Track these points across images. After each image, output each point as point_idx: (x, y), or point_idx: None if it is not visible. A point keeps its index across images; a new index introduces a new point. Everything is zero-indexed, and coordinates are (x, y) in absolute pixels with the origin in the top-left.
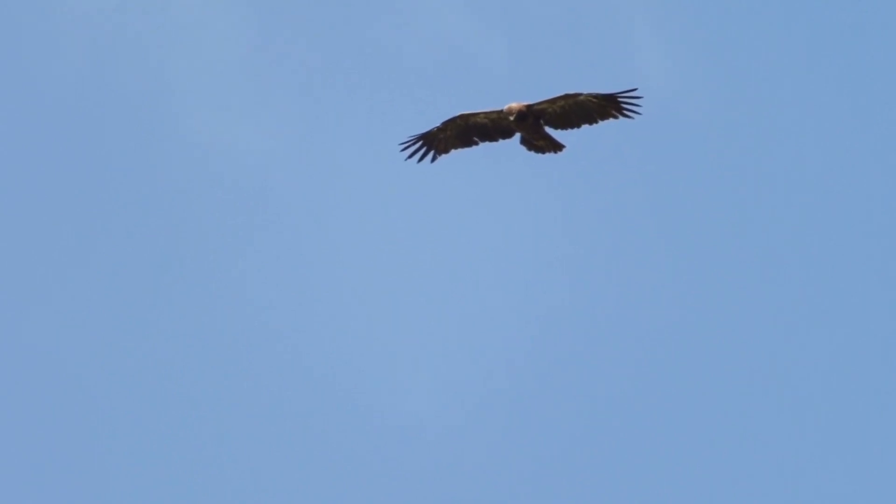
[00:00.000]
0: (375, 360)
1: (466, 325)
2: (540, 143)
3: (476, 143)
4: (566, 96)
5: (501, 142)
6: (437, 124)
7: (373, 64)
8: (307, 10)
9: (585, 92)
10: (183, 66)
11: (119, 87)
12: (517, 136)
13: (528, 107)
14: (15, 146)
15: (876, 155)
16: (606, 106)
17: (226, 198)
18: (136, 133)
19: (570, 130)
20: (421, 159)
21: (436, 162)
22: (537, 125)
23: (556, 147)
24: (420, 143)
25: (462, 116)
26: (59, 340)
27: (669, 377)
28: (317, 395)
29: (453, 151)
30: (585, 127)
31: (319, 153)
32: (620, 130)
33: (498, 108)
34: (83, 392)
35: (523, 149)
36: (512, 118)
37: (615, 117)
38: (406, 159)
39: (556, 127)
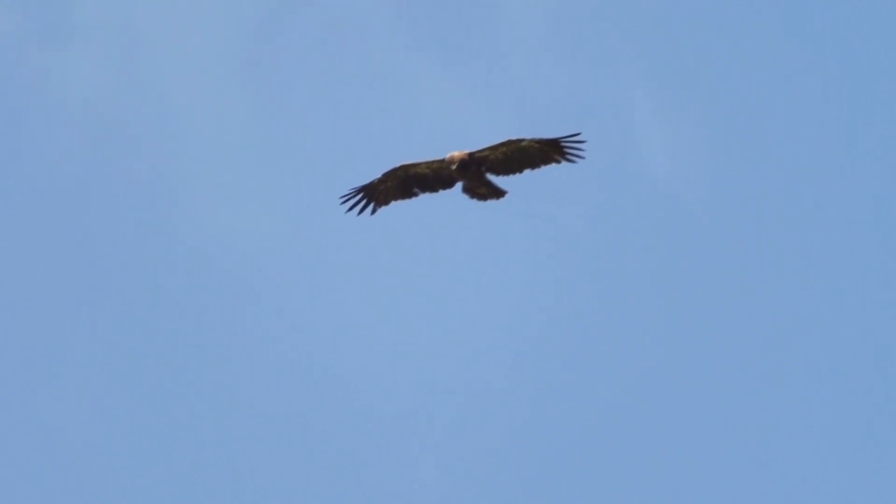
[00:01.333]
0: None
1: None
2: (482, 191)
3: (416, 195)
4: (508, 142)
5: (442, 192)
6: (378, 175)
7: (374, 146)
8: (305, 92)
9: (528, 137)
10: (181, 152)
11: (118, 174)
12: (458, 185)
13: (471, 155)
14: (16, 234)
15: (873, 239)
16: (549, 151)
17: (226, 283)
18: (136, 219)
19: (511, 176)
20: (361, 211)
21: (375, 214)
22: (479, 173)
23: (499, 194)
24: (360, 195)
25: (403, 167)
26: (59, 420)
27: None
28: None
29: (393, 203)
30: (528, 172)
31: (320, 237)
32: (622, 208)
33: (439, 158)
34: (86, 472)
35: (465, 197)
36: (454, 167)
37: (558, 162)
38: (346, 212)
39: (497, 173)
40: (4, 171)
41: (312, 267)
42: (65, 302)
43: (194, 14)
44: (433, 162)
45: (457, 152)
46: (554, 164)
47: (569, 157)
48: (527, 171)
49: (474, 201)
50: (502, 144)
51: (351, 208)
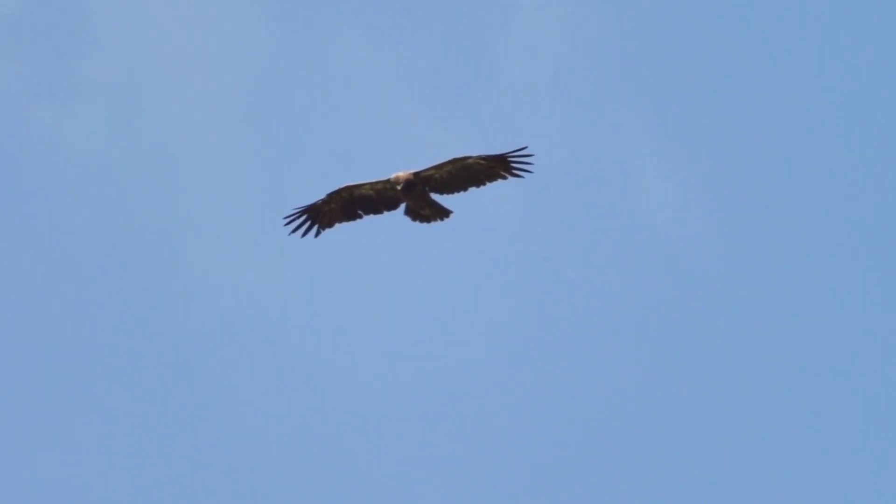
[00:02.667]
0: None
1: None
2: (426, 212)
3: (360, 216)
4: (454, 161)
5: (387, 213)
6: (322, 196)
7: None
8: (309, 144)
9: (474, 155)
10: (184, 208)
11: (121, 230)
12: (402, 206)
13: (416, 174)
14: (19, 290)
15: (876, 291)
16: (495, 167)
17: (230, 339)
18: (139, 275)
19: (456, 195)
20: (305, 233)
21: (319, 236)
22: (424, 193)
23: (443, 214)
24: (304, 216)
25: (346, 188)
26: (65, 479)
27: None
28: None
29: (337, 225)
30: (473, 190)
31: (324, 293)
32: (624, 259)
33: (384, 179)
34: None
35: (407, 220)
36: (399, 187)
37: (504, 178)
38: (290, 234)
39: (441, 192)
40: (7, 227)
41: (315, 318)
42: (69, 357)
43: (197, 70)
44: (377, 183)
45: (402, 172)
46: (500, 181)
47: (515, 172)
48: (472, 189)
49: (417, 224)
50: (448, 163)
51: (295, 230)
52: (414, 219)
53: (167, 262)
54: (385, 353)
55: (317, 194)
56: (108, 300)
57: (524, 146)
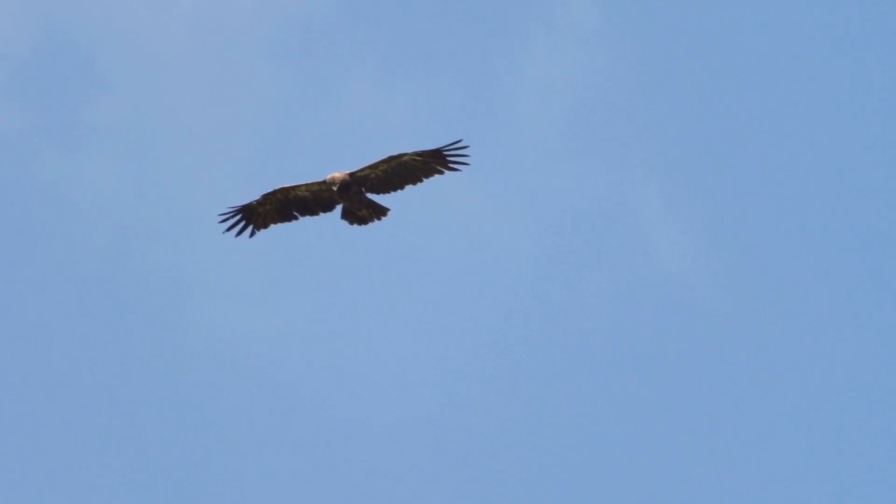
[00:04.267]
0: None
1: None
2: (363, 213)
3: (296, 218)
4: (389, 159)
5: (323, 215)
6: (257, 197)
7: (388, 246)
8: None
9: (409, 151)
10: (192, 253)
11: (129, 275)
12: (338, 208)
13: (351, 174)
14: (28, 335)
15: (889, 335)
16: (431, 162)
17: (237, 383)
18: (147, 320)
19: (393, 193)
20: (240, 233)
21: (255, 237)
22: (360, 193)
23: (380, 213)
24: (239, 216)
25: (282, 190)
26: None
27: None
28: None
29: (273, 226)
30: (409, 188)
31: (334, 336)
32: (633, 304)
33: (319, 180)
34: None
35: (345, 223)
36: (335, 188)
37: (441, 173)
38: (224, 232)
39: (378, 192)
40: (17, 271)
41: (323, 360)
42: (76, 402)
43: (207, 114)
44: (313, 184)
45: (337, 173)
46: (437, 176)
47: (452, 166)
48: (408, 187)
49: (355, 227)
50: (382, 162)
51: (229, 229)
52: (351, 222)
53: (175, 307)
54: (395, 395)
55: (328, 235)
56: (116, 344)
57: (458, 139)
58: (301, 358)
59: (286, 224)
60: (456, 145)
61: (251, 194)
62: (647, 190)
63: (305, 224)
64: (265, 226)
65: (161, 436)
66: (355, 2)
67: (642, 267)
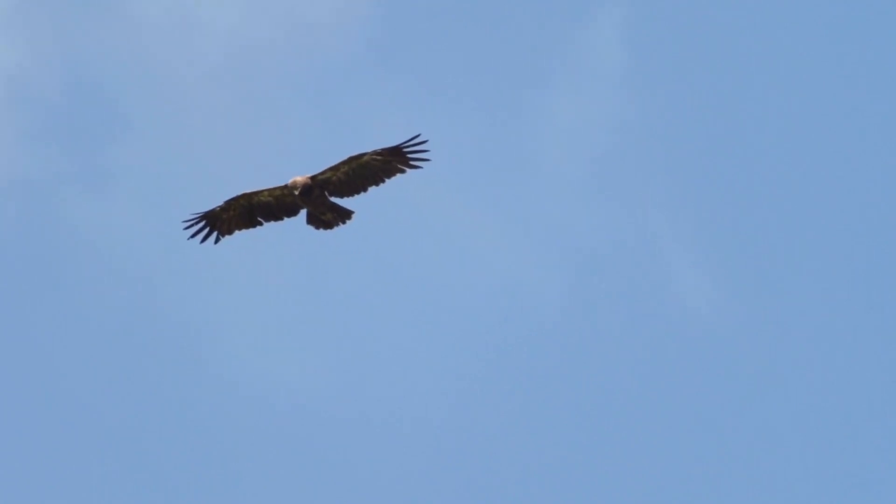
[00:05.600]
0: None
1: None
2: (327, 217)
3: (260, 224)
4: (350, 159)
5: (287, 220)
6: (220, 203)
7: (412, 284)
8: (343, 234)
9: (369, 151)
10: (216, 296)
11: (153, 317)
12: (303, 213)
13: (313, 178)
14: (49, 375)
15: None
16: (391, 160)
17: (261, 428)
18: (171, 365)
19: (356, 196)
20: (204, 239)
21: (219, 243)
22: (323, 197)
23: (345, 216)
24: (203, 222)
25: (244, 196)
26: None
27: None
28: None
29: (237, 232)
30: (372, 189)
31: (359, 387)
32: (658, 346)
33: (281, 185)
34: None
35: (311, 229)
36: (297, 192)
37: (402, 171)
38: (189, 238)
39: (341, 195)
40: (41, 312)
41: (345, 407)
42: (98, 446)
43: (231, 158)
44: (275, 189)
45: (299, 177)
46: (399, 175)
47: (412, 163)
48: (371, 189)
49: (321, 231)
50: (343, 163)
51: (193, 235)
52: (317, 226)
53: (198, 350)
54: (423, 442)
55: (351, 278)
56: (137, 387)
57: (417, 134)
58: (321, 403)
59: (249, 230)
60: (414, 141)
61: (276, 238)
62: (672, 231)
63: (327, 263)
64: (230, 232)
65: (180, 481)
66: (383, 45)
67: (665, 308)
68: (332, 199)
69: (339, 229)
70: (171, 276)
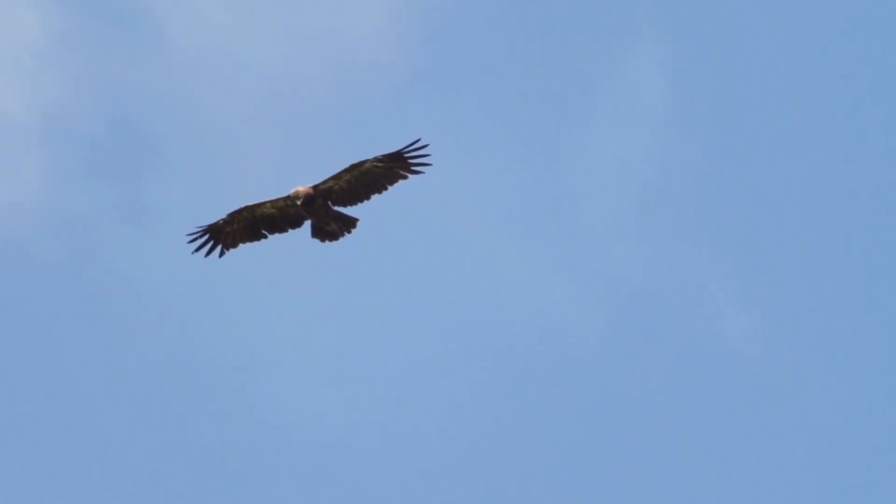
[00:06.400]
0: None
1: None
2: (332, 227)
3: (265, 236)
4: (351, 167)
5: (292, 232)
6: (223, 216)
7: (455, 320)
8: (388, 269)
9: (370, 158)
10: (258, 332)
11: (195, 352)
12: (307, 224)
13: (315, 188)
14: (94, 414)
15: None
16: (393, 167)
17: (306, 464)
18: (214, 400)
19: (359, 205)
20: (209, 253)
21: (224, 256)
22: (326, 206)
23: (349, 225)
24: (206, 235)
25: (247, 208)
26: None
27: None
28: None
29: (241, 245)
30: (375, 197)
31: (397, 418)
32: (702, 384)
33: (283, 196)
34: None
35: (316, 242)
36: (300, 202)
37: (405, 177)
38: (193, 252)
39: (344, 204)
40: (83, 348)
41: (383, 439)
42: (145, 485)
43: (271, 194)
44: (277, 200)
45: (301, 187)
46: (401, 181)
47: (414, 168)
48: (374, 197)
49: (327, 244)
50: (345, 171)
51: (198, 249)
52: (322, 239)
53: (241, 386)
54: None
55: (395, 312)
56: (182, 424)
57: (417, 139)
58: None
59: (254, 243)
60: (415, 145)
61: (316, 273)
62: (714, 268)
63: (364, 289)
64: (234, 245)
65: None
66: (426, 82)
67: (707, 345)
68: (336, 208)
69: (380, 260)
70: (209, 310)
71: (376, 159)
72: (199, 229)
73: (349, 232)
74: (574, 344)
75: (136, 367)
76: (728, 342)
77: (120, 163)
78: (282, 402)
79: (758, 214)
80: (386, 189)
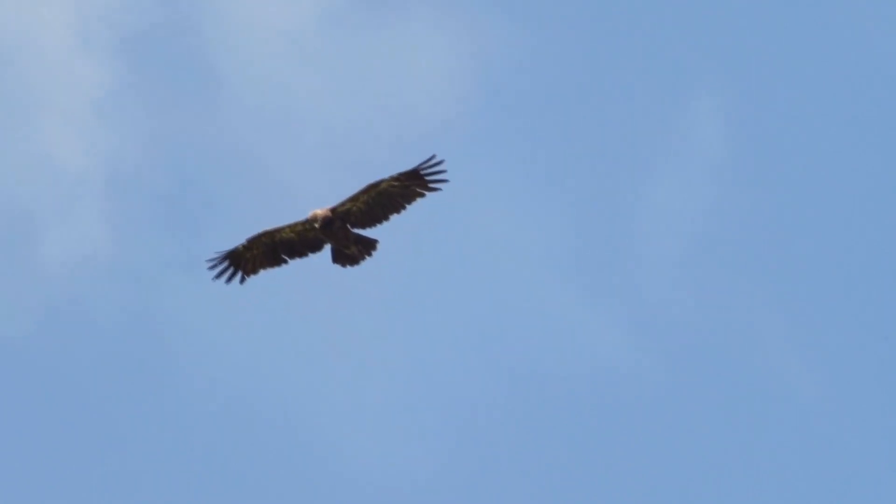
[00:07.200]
0: None
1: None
2: (352, 251)
3: (285, 261)
4: (368, 188)
5: (312, 256)
6: (242, 242)
7: (510, 375)
8: (443, 316)
9: (386, 177)
10: (312, 384)
11: (256, 409)
12: (327, 248)
13: (333, 210)
14: (152, 465)
15: None
16: (410, 185)
17: None
18: (276, 448)
19: (378, 226)
20: (229, 280)
21: (245, 283)
22: (345, 229)
23: (369, 247)
24: (226, 262)
25: (266, 234)
26: None
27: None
28: None
29: (262, 271)
30: (394, 217)
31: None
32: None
33: (301, 220)
34: None
35: (337, 268)
36: (317, 225)
37: (422, 195)
38: (214, 279)
39: (363, 226)
40: (142, 398)
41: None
42: None
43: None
44: (296, 224)
45: (319, 210)
46: (419, 200)
47: (431, 185)
48: (393, 217)
49: (348, 269)
50: (362, 192)
51: (218, 276)
52: (343, 264)
53: (300, 432)
54: None
55: (448, 359)
56: (242, 471)
57: (432, 155)
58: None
59: (275, 269)
60: (431, 162)
61: (373, 328)
62: (772, 320)
63: (422, 336)
64: (254, 271)
65: None
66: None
67: (763, 394)
68: (355, 230)
69: (432, 299)
70: (267, 362)
71: (393, 178)
72: (219, 255)
73: (369, 255)
74: (629, 388)
75: (196, 416)
76: (784, 389)
77: (181, 215)
78: (341, 450)
79: (814, 263)
80: (404, 208)
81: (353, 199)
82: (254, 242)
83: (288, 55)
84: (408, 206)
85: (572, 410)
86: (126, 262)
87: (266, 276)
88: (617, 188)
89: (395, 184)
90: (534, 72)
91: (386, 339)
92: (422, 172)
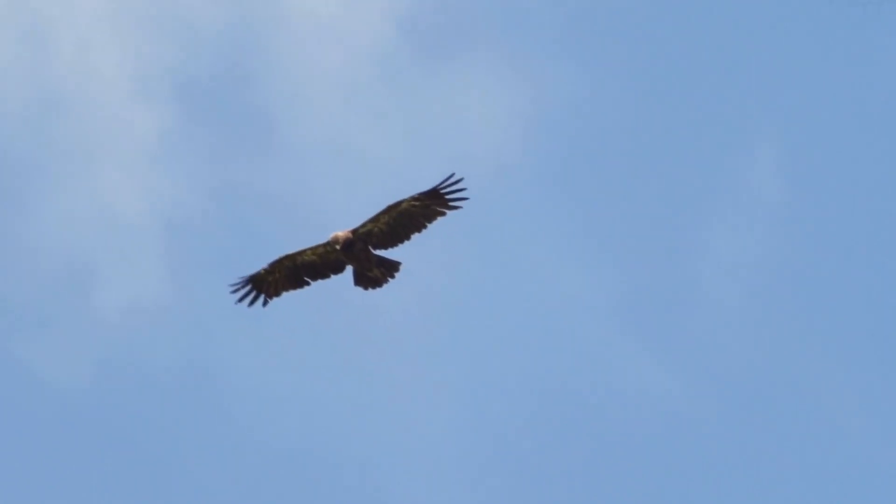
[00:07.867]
0: None
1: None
2: (374, 273)
3: (308, 283)
4: (388, 209)
5: (334, 277)
6: (264, 266)
7: (572, 422)
8: (487, 362)
9: (406, 197)
10: (376, 434)
11: (310, 454)
12: (349, 269)
13: (354, 231)
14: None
15: None
16: (430, 204)
17: None
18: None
19: (400, 246)
20: (252, 303)
21: (268, 306)
22: (366, 251)
23: (392, 269)
24: (249, 286)
25: (288, 257)
26: None
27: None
28: None
29: (285, 294)
30: (416, 237)
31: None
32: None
33: (323, 242)
34: None
35: (359, 291)
36: (339, 247)
37: (443, 214)
38: (236, 303)
39: (385, 246)
40: (196, 442)
41: None
42: None
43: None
44: (317, 247)
45: (340, 232)
46: (440, 219)
47: (452, 204)
48: (415, 236)
49: (370, 291)
50: (383, 213)
51: (241, 300)
52: (365, 287)
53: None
54: None
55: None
56: None
57: (451, 174)
58: None
59: (297, 291)
60: (450, 180)
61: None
62: (835, 368)
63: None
64: (277, 294)
65: None
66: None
67: (828, 450)
68: (377, 252)
69: (484, 341)
70: (321, 405)
71: (413, 198)
72: (241, 280)
73: (392, 277)
74: (688, 438)
75: (252, 466)
76: (850, 442)
77: (238, 261)
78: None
79: (872, 312)
80: (426, 227)
81: (375, 220)
82: (275, 266)
83: (344, 102)
84: (429, 226)
85: (630, 457)
86: (182, 308)
87: (287, 297)
88: (676, 235)
89: (416, 203)
90: (592, 116)
91: (440, 369)
92: (441, 191)
